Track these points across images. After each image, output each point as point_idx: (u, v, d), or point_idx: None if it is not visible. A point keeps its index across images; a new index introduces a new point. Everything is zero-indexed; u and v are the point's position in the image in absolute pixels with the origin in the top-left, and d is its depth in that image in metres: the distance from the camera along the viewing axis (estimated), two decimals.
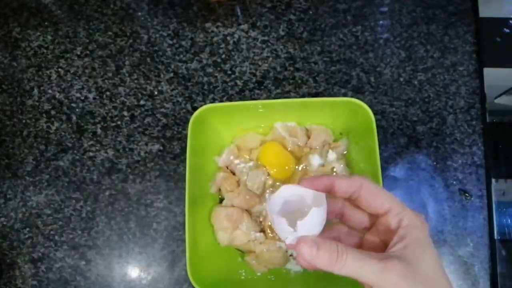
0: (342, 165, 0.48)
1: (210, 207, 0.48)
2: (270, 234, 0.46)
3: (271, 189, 0.47)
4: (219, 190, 0.49)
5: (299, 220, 0.28)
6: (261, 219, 0.47)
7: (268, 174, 0.48)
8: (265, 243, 0.45)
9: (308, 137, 0.49)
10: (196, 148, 0.45)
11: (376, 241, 0.31)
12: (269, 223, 0.46)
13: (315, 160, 0.48)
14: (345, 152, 0.49)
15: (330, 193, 0.31)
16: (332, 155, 0.48)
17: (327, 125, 0.50)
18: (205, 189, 0.48)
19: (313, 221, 0.28)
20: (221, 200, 0.49)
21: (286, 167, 0.47)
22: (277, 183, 0.48)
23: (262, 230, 0.46)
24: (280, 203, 0.31)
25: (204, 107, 0.45)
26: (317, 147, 0.49)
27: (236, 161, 0.49)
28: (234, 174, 0.49)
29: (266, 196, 0.48)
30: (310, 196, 0.31)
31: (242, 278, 0.46)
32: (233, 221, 0.45)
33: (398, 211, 0.29)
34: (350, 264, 0.26)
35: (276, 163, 0.48)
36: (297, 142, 0.49)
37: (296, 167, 0.48)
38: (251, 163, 0.48)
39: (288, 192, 0.31)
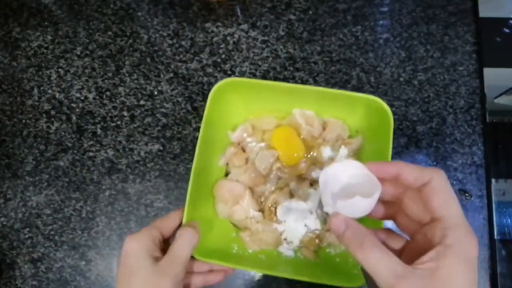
0: None
1: (216, 179, 0.48)
2: (268, 216, 0.46)
3: (275, 171, 0.48)
4: (227, 164, 0.49)
5: (339, 199, 0.28)
6: (262, 200, 0.48)
7: (278, 158, 0.48)
8: (261, 222, 0.46)
9: (324, 129, 0.49)
10: (212, 119, 0.45)
11: (427, 241, 0.27)
12: (269, 205, 0.46)
13: (326, 152, 0.48)
14: (356, 150, 0.49)
15: (394, 180, 0.28)
16: (344, 151, 0.48)
17: (345, 120, 0.49)
18: (214, 161, 0.48)
19: (352, 207, 0.27)
20: (227, 174, 0.49)
21: (296, 154, 0.47)
22: (285, 170, 0.48)
23: (261, 210, 0.47)
24: (335, 173, 0.30)
25: (227, 79, 0.45)
26: (331, 140, 0.48)
27: (249, 139, 0.49)
28: (244, 151, 0.49)
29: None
30: (367, 181, 0.29)
31: (234, 252, 0.46)
32: (235, 195, 0.46)
33: (447, 224, 0.25)
34: (367, 262, 0.25)
35: (286, 147, 0.48)
36: (312, 132, 0.48)
37: (306, 154, 0.48)
38: (262, 144, 0.49)
39: (347, 167, 0.30)
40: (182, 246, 0.37)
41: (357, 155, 0.49)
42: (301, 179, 0.47)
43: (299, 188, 0.46)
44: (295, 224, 0.46)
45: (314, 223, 0.46)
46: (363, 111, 0.46)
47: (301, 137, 0.48)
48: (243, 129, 0.49)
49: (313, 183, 0.47)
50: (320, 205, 0.46)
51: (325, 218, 0.45)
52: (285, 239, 0.46)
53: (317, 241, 0.46)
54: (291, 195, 0.46)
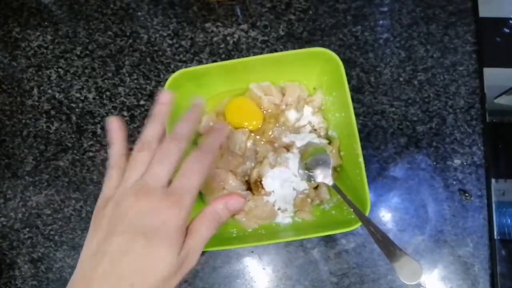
0: (319, 118, 0.50)
1: None
2: (256, 191, 0.47)
3: (250, 147, 0.48)
4: None
5: None
6: (246, 178, 0.48)
7: (249, 134, 0.49)
8: (252, 199, 0.47)
9: (283, 95, 0.50)
10: (175, 116, 0.46)
11: None
12: (254, 181, 0.47)
13: (291, 115, 0.49)
14: (320, 105, 0.50)
15: None
16: (308, 110, 0.50)
17: (301, 81, 0.51)
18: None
19: None
20: None
21: (255, 122, 0.49)
22: (262, 142, 0.49)
23: (249, 189, 0.48)
24: None
25: (177, 72, 0.45)
26: (293, 103, 0.50)
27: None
28: None
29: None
30: None
31: (234, 235, 0.47)
32: (218, 182, 0.46)
33: None
34: None
35: (241, 118, 0.49)
36: (273, 100, 0.50)
37: (274, 123, 0.50)
38: (230, 126, 0.50)
39: None
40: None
41: (322, 110, 0.50)
42: (276, 148, 0.49)
43: (277, 156, 0.47)
44: (284, 190, 0.47)
45: (301, 184, 0.47)
46: (315, 67, 0.48)
47: (262, 108, 0.50)
48: (208, 118, 0.50)
49: (288, 147, 0.48)
50: (301, 165, 0.47)
51: (308, 177, 0.46)
52: (278, 208, 0.48)
53: (309, 200, 0.47)
54: (272, 166, 0.48)
